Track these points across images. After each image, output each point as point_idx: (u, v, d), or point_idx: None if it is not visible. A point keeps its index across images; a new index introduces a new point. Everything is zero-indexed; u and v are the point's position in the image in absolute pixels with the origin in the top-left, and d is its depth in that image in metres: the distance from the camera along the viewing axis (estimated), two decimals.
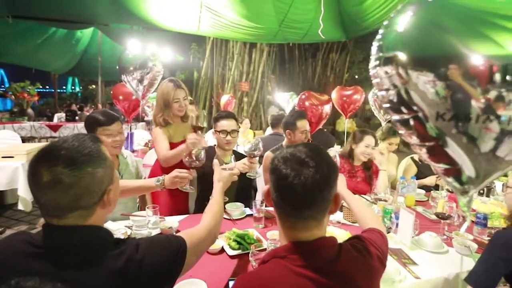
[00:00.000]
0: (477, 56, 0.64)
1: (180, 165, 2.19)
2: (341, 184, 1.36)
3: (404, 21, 0.70)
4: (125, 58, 3.44)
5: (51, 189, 0.72)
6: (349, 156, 2.43)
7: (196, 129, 2.00)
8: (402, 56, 0.68)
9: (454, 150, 0.70)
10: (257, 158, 1.81)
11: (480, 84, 0.64)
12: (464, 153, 0.69)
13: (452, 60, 0.64)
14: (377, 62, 0.75)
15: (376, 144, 2.39)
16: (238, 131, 2.13)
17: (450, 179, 0.77)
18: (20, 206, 2.97)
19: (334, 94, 4.78)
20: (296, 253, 0.79)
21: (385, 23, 0.75)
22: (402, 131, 0.77)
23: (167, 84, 2.16)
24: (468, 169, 0.71)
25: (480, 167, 0.71)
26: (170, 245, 0.87)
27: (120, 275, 0.74)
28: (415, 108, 0.69)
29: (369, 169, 2.44)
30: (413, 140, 0.76)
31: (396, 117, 0.75)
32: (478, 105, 0.65)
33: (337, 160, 1.50)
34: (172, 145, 2.11)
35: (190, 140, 1.95)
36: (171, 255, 0.85)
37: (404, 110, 0.72)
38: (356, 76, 10.40)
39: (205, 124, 2.01)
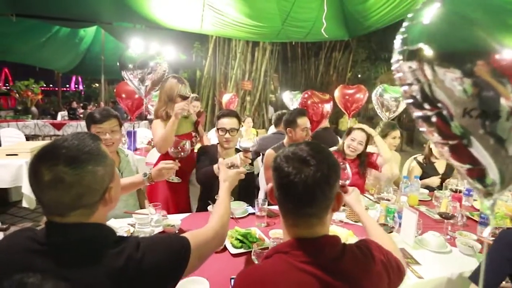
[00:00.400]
0: (508, 51, 0.59)
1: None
2: (357, 201, 1.26)
3: (430, 14, 0.66)
4: (127, 56, 3.39)
5: (52, 188, 0.72)
6: (342, 150, 2.47)
7: (183, 98, 2.11)
8: (427, 51, 0.64)
9: (479, 151, 0.65)
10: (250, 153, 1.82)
11: (510, 81, 0.60)
12: (490, 155, 0.65)
13: (480, 56, 0.60)
14: (401, 56, 0.71)
15: (369, 140, 2.44)
16: (237, 130, 2.14)
17: (473, 180, 0.73)
18: (24, 204, 2.99)
19: (337, 93, 4.75)
20: (299, 249, 0.79)
21: (409, 15, 0.71)
22: (423, 128, 0.73)
23: (171, 80, 2.23)
24: (493, 172, 0.67)
25: (507, 170, 0.67)
26: (172, 245, 0.86)
27: (120, 273, 0.74)
28: (439, 104, 0.65)
29: (363, 165, 2.47)
30: (435, 137, 0.71)
31: (418, 113, 0.71)
32: (508, 103, 0.61)
33: (348, 172, 1.43)
34: None
35: (178, 107, 2.03)
36: (173, 255, 0.84)
37: (427, 106, 0.67)
38: (359, 75, 10.37)
39: (189, 93, 2.10)
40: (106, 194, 0.80)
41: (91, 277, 0.72)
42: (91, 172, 0.75)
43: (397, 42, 0.71)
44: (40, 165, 0.72)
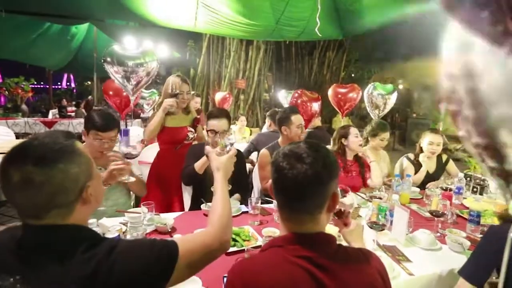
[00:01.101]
0: None
1: (173, 155, 2.28)
2: (357, 239, 1.16)
3: None
4: (108, 51, 3.09)
5: (22, 190, 0.69)
6: (341, 152, 2.47)
7: (173, 96, 2.23)
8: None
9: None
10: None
11: None
12: None
13: None
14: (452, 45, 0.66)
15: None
16: (227, 131, 2.14)
17: (502, 182, 0.71)
18: None
19: (330, 92, 4.77)
20: (294, 244, 0.81)
21: None
22: (460, 126, 0.71)
23: (174, 78, 2.33)
24: None
25: None
26: (152, 251, 0.76)
27: (88, 281, 0.68)
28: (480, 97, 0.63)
29: (362, 164, 2.50)
30: (473, 137, 0.69)
31: (455, 108, 0.69)
32: None
33: (352, 197, 1.33)
34: (165, 129, 2.31)
35: (167, 102, 2.17)
36: (152, 262, 0.74)
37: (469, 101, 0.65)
38: (353, 75, 10.43)
39: (177, 90, 2.23)
40: (84, 193, 0.76)
41: (58, 284, 0.68)
42: (62, 170, 0.71)
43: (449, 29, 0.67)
44: (8, 166, 0.70)
